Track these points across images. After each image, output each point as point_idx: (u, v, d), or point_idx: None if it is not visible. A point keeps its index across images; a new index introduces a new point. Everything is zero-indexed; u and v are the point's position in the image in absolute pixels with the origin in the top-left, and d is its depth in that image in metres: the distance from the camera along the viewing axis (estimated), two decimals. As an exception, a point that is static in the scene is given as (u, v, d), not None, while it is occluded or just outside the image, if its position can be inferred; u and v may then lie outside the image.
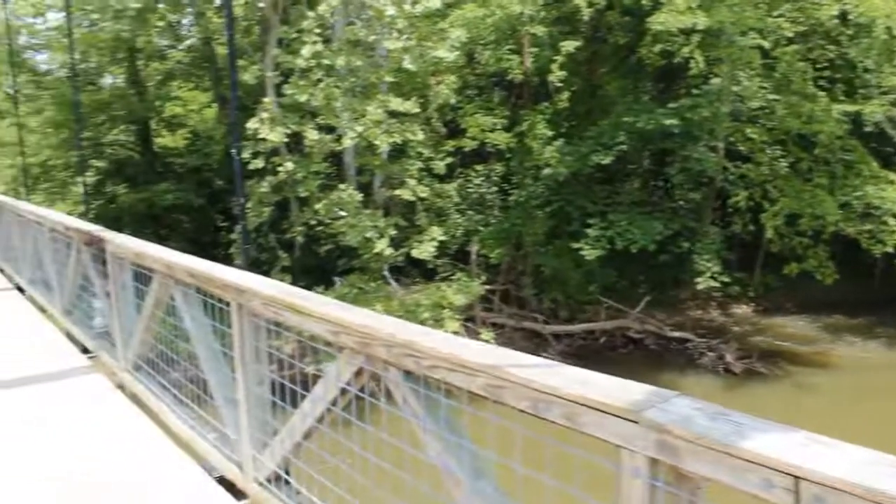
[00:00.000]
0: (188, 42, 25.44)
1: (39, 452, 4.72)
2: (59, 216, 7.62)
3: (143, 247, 5.09)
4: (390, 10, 15.40)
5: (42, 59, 26.66)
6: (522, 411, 2.22)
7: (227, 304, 3.89)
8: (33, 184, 23.58)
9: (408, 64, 16.06)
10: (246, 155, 14.77)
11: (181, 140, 27.90)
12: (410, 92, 17.86)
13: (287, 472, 3.63)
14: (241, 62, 23.29)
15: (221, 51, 25.11)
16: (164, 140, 28.30)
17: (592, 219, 19.60)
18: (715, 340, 19.72)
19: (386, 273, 18.36)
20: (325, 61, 15.28)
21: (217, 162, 25.68)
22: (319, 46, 15.25)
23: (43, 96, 24.81)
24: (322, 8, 15.54)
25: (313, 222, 18.23)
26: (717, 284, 19.65)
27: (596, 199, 20.83)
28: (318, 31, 15.37)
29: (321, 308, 2.99)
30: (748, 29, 18.37)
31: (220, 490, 4.09)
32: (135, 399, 5.58)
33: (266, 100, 15.77)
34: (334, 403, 3.08)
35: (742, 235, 22.87)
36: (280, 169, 16.04)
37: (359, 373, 2.89)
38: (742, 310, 23.03)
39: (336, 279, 18.42)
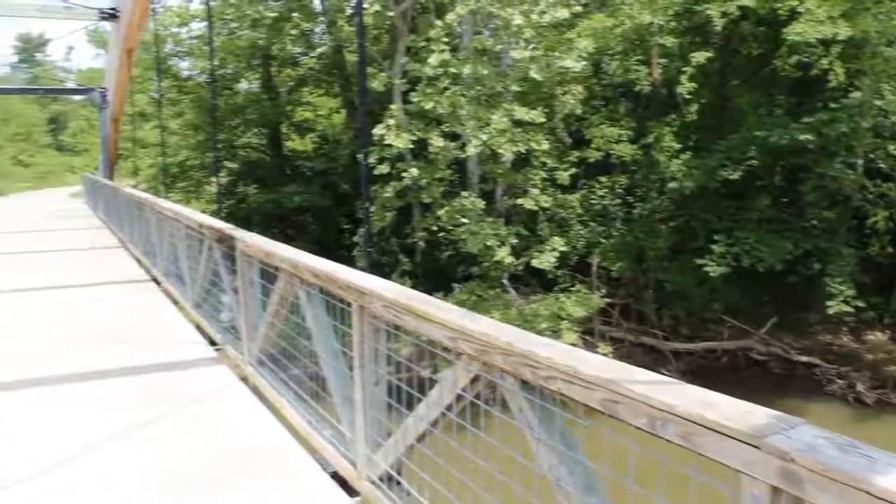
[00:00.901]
0: (319, 50, 26.19)
1: (163, 435, 4.94)
2: (193, 214, 7.98)
3: (272, 246, 5.27)
4: (518, 20, 15.45)
5: (184, 66, 28.02)
6: (639, 428, 2.18)
7: (349, 304, 3.98)
8: (172, 182, 24.77)
9: (534, 73, 16.07)
10: (372, 160, 15.08)
11: (309, 144, 28.78)
12: (536, 101, 17.84)
13: (399, 473, 3.67)
14: (369, 69, 23.82)
15: (351, 58, 25.80)
16: (294, 144, 29.24)
17: (718, 235, 19.06)
18: (845, 368, 18.79)
19: (505, 281, 18.38)
20: (452, 70, 15.45)
21: (343, 166, 26.35)
22: (447, 55, 15.44)
23: (183, 100, 26.10)
24: (450, 17, 15.74)
25: (435, 228, 18.46)
26: (849, 309, 18.71)
27: (722, 214, 20.23)
28: (445, 39, 15.56)
29: (441, 314, 3.02)
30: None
31: (334, 485, 4.19)
32: (256, 391, 5.77)
33: (393, 107, 16.09)
34: (449, 408, 3.11)
35: (879, 258, 21.72)
36: (405, 175, 16.31)
37: (475, 379, 2.91)
38: (876, 337, 21.83)
39: (455, 285, 18.57)
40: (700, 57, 18.44)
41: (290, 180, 26.07)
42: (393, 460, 3.64)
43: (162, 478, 4.32)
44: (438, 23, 15.98)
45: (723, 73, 21.20)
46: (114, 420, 5.23)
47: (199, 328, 7.94)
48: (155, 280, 11.08)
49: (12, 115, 65.70)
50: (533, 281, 20.31)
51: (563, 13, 16.06)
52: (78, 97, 77.43)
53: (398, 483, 3.68)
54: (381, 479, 3.77)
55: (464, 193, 17.87)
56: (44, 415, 5.49)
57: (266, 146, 28.05)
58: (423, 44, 16.49)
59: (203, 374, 6.36)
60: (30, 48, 79.36)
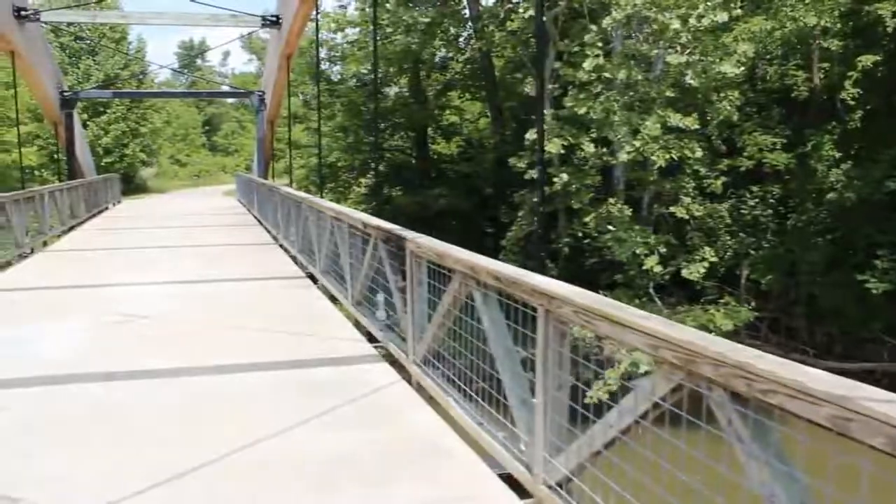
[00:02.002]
0: (467, 55, 26.49)
1: (331, 428, 5.07)
2: (357, 214, 8.18)
3: (445, 248, 5.34)
4: (675, 24, 15.11)
5: (336, 70, 28.90)
6: (872, 447, 2.08)
7: (531, 308, 3.98)
8: (322, 183, 25.57)
9: (689, 79, 15.67)
10: (521, 165, 15.10)
11: (454, 147, 29.12)
12: (689, 107, 17.41)
13: (579, 479, 3.65)
14: (518, 75, 23.93)
15: (498, 63, 25.94)
16: (439, 147, 29.65)
17: (882, 250, 18.04)
18: None
19: (650, 290, 18.04)
20: (606, 75, 15.28)
21: (487, 170, 26.52)
22: (601, 60, 15.28)
23: (335, 104, 26.92)
24: (606, 21, 15.57)
25: (580, 234, 18.31)
26: None
27: (887, 228, 19.14)
28: (599, 44, 15.41)
29: (642, 321, 2.98)
30: None
31: (503, 487, 4.19)
32: (420, 389, 5.85)
33: (546, 112, 16.03)
34: (644, 417, 3.07)
35: None
36: (555, 180, 16.23)
37: (676, 389, 2.85)
38: None
39: (600, 293, 18.32)
40: (867, 60, 17.52)
41: (435, 183, 26.44)
42: (574, 466, 3.62)
43: (330, 471, 4.41)
44: (593, 27, 15.84)
45: (892, 77, 20.06)
46: (281, 412, 5.41)
47: (357, 325, 8.14)
48: (310, 277, 11.45)
49: (172, 117, 69.37)
50: (678, 291, 19.82)
51: (723, 16, 15.59)
52: (231, 100, 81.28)
53: (577, 489, 3.65)
54: (559, 484, 3.75)
55: (611, 200, 17.64)
56: (216, 400, 5.76)
57: (412, 149, 28.56)
58: (576, 48, 16.38)
59: (365, 371, 6.51)
60: (191, 55, 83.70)
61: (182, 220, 23.72)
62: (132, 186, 48.12)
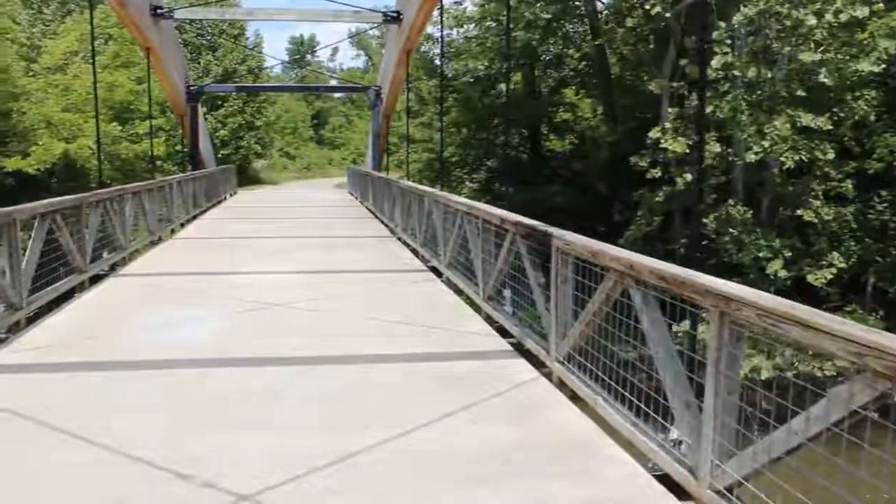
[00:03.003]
0: (583, 51, 26.24)
1: (476, 420, 5.11)
2: (495, 210, 8.20)
3: (600, 246, 5.31)
4: (811, 20, 14.58)
5: (452, 67, 29.00)
6: None
7: (701, 309, 3.92)
8: (435, 177, 25.77)
9: (823, 77, 15.10)
10: (643, 163, 14.86)
11: (567, 145, 28.91)
12: (821, 107, 16.76)
13: (752, 485, 3.58)
14: (636, 73, 23.59)
15: (613, 59, 25.61)
16: (552, 144, 29.49)
17: None
18: None
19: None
20: (735, 72, 14.88)
21: (600, 168, 26.24)
22: (730, 57, 14.89)
23: (449, 99, 27.04)
24: (737, 18, 15.15)
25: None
26: None
27: None
28: (728, 41, 15.02)
29: (843, 328, 2.90)
30: None
31: (663, 490, 4.14)
32: (562, 386, 5.83)
33: (670, 110, 15.73)
34: (837, 424, 2.99)
35: None
36: (679, 179, 15.91)
37: (880, 397, 2.77)
38: None
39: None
40: None
41: (548, 180, 26.31)
42: (749, 471, 3.55)
43: (484, 465, 4.43)
44: (721, 24, 15.45)
45: None
46: (425, 403, 5.48)
47: (488, 319, 8.18)
48: (433, 270, 11.56)
49: (283, 111, 70.99)
50: (796, 297, 19.13)
51: (864, 11, 14.94)
52: (338, 95, 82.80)
53: (750, 496, 3.59)
54: (728, 490, 3.69)
55: (730, 202, 17.18)
56: (359, 389, 5.89)
57: (525, 145, 28.48)
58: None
59: (503, 365, 6.54)
60: (301, 50, 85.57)
61: (299, 212, 24.28)
62: (245, 178, 49.51)
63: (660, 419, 4.49)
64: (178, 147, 31.18)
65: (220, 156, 45.93)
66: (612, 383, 5.12)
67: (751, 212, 17.19)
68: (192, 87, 26.93)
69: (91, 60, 19.43)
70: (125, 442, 4.66)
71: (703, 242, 18.19)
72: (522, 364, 6.55)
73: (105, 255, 11.58)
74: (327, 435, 4.90)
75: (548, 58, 26.46)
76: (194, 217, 20.87)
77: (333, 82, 76.90)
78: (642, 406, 4.72)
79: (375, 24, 24.55)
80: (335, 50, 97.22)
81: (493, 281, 8.07)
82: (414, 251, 13.57)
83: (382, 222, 19.39)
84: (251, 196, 35.33)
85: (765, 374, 13.90)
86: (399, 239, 15.54)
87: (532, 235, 6.66)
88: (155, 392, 5.80)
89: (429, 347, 7.18)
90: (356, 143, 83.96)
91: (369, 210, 23.54)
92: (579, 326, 5.62)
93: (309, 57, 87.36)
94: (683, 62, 16.26)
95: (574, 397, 5.59)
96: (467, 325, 8.03)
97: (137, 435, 4.80)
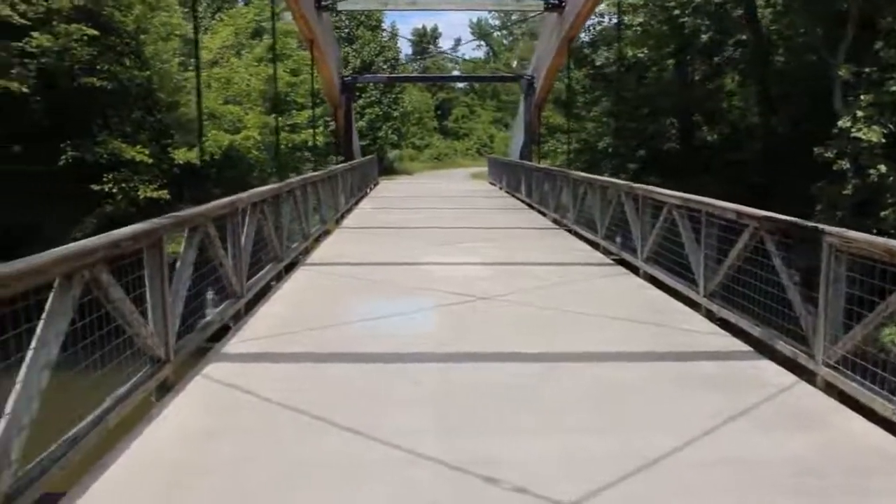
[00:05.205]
0: (739, 37, 25.23)
1: (754, 433, 4.83)
2: (725, 203, 7.83)
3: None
4: None
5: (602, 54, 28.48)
6: None
7: None
8: (587, 168, 25.37)
9: None
10: (829, 154, 14.11)
11: (717, 135, 27.96)
12: None
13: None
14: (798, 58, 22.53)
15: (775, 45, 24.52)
16: (703, 133, 28.59)
17: None
18: None
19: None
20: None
21: (756, 158, 25.23)
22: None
23: (597, 88, 26.58)
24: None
25: (875, 231, 16.92)
26: None
27: None
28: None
29: None
30: None
31: None
32: (829, 391, 5.50)
33: (863, 97, 14.87)
34: None
35: None
36: (871, 171, 15.03)
37: None
38: None
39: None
40: None
41: (701, 170, 25.45)
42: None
43: (794, 477, 4.18)
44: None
45: None
46: (685, 407, 5.27)
47: (709, 316, 7.87)
48: (621, 263, 11.28)
49: (411, 103, 71.63)
50: None
51: None
52: (460, 85, 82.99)
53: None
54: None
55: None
56: (607, 389, 5.68)
57: (676, 135, 27.70)
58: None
59: (751, 366, 6.23)
60: (423, 42, 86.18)
61: (448, 202, 24.34)
62: (381, 168, 50.32)
63: None
64: (322, 138, 31.79)
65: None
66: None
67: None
68: (346, 78, 27.38)
69: (269, 62, 20.00)
70: (404, 439, 4.59)
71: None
72: (770, 365, 6.24)
73: (293, 244, 11.79)
74: (607, 437, 4.75)
75: (703, 43, 25.54)
76: (352, 207, 21.19)
77: (456, 72, 77.24)
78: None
79: (537, 13, 24.25)
80: (458, 41, 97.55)
81: (720, 277, 7.73)
82: (592, 243, 13.29)
83: (541, 213, 19.19)
84: (394, 185, 35.77)
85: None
86: (570, 231, 15.27)
87: (787, 231, 6.31)
88: (403, 386, 5.73)
89: (661, 346, 6.92)
90: (479, 134, 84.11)
91: (521, 200, 23.38)
92: (860, 330, 5.27)
93: (432, 48, 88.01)
94: (878, 45, 15.31)
95: (858, 406, 5.23)
96: (689, 323, 7.74)
97: (411, 431, 4.74)
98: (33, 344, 3.77)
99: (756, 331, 6.86)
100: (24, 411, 3.53)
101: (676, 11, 21.75)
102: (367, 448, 4.52)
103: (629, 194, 11.16)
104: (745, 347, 6.82)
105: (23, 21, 18.40)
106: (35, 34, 18.46)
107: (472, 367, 6.31)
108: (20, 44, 18.33)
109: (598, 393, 5.60)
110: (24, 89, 18.13)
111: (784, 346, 6.31)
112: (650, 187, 10.60)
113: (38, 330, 3.83)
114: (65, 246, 4.24)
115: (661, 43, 24.87)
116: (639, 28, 24.04)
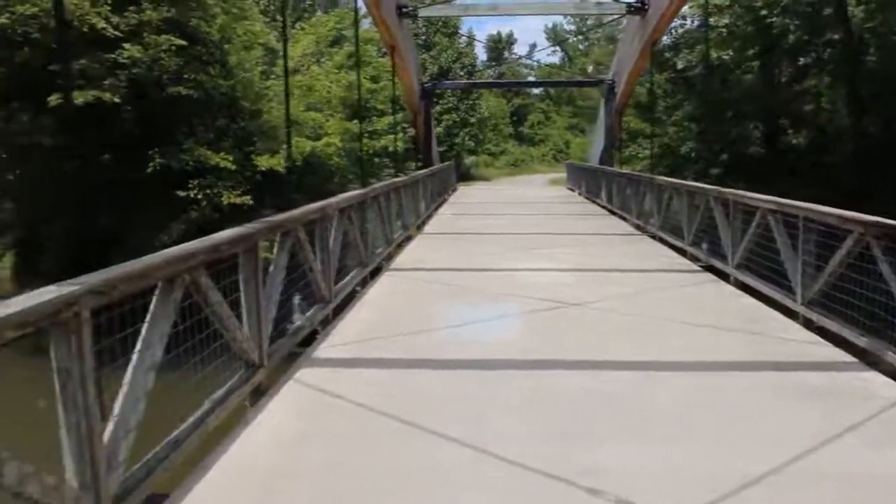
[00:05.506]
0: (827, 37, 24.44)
1: (861, 451, 4.61)
2: (826, 208, 7.55)
3: None
4: None
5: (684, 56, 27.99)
6: None
7: None
8: (670, 174, 24.91)
9: None
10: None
11: (804, 139, 27.15)
12: None
13: None
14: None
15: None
16: (790, 137, 27.80)
17: None
18: None
19: None
20: None
21: (846, 160, 24.40)
22: None
23: (679, 92, 26.10)
24: None
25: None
26: None
27: None
28: None
29: None
30: None
31: None
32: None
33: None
34: None
35: None
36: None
37: None
38: None
39: None
40: None
41: (786, 174, 24.73)
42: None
43: None
44: None
45: None
46: (792, 419, 5.03)
47: (807, 325, 7.58)
48: (709, 270, 11.01)
49: (487, 109, 71.61)
50: None
51: None
52: (536, 91, 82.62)
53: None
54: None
55: None
56: (706, 400, 5.49)
57: (760, 138, 26.99)
58: None
59: (855, 378, 5.96)
60: (499, 47, 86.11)
61: (527, 208, 24.20)
62: (458, 174, 50.41)
63: None
64: (401, 144, 32.02)
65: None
66: None
67: None
68: (425, 85, 27.51)
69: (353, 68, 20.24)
70: (500, 446, 4.49)
71: None
72: (878, 377, 5.94)
73: (377, 249, 11.83)
74: (709, 448, 4.57)
75: (789, 44, 24.84)
76: (433, 212, 21.22)
77: (531, 77, 77.02)
78: None
79: (618, 16, 23.98)
80: (532, 46, 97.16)
81: (820, 286, 7.45)
82: (678, 249, 13.02)
83: (623, 218, 18.92)
84: (472, 191, 35.78)
85: None
86: (653, 237, 15.01)
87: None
88: (498, 393, 5.64)
89: (758, 355, 6.68)
90: (554, 139, 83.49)
91: (601, 206, 23.11)
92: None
93: (506, 54, 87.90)
94: None
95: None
96: (787, 332, 7.46)
97: (507, 439, 4.64)
98: (138, 346, 3.81)
99: (862, 341, 6.56)
100: (131, 413, 3.56)
101: (764, 12, 21.20)
102: (461, 455, 4.44)
103: (718, 199, 10.89)
104: (850, 358, 6.52)
105: (116, 33, 18.91)
106: (127, 45, 18.95)
107: (566, 374, 6.17)
108: (112, 55, 18.84)
109: (696, 402, 5.42)
110: (116, 99, 18.61)
111: (894, 358, 6.02)
112: (741, 192, 10.30)
113: (143, 332, 3.88)
114: (167, 250, 4.29)
115: (746, 45, 24.26)
116: (724, 30, 23.54)
